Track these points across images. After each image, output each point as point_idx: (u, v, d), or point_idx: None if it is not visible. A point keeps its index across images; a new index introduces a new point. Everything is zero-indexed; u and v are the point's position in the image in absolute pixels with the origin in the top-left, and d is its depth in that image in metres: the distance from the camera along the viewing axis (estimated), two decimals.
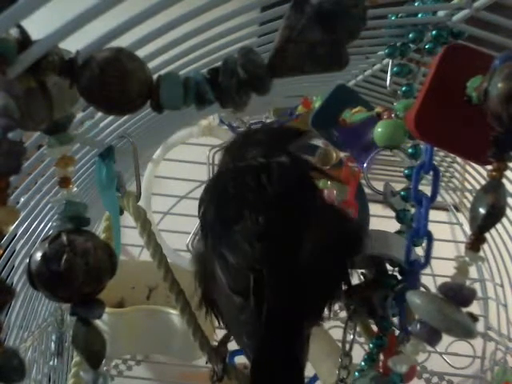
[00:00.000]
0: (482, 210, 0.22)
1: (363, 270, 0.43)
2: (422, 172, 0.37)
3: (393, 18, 0.40)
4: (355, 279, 0.42)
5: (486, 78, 0.23)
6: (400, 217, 0.43)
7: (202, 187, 0.42)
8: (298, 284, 0.34)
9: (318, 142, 0.56)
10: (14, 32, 0.19)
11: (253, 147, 0.41)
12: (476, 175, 0.75)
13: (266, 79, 0.20)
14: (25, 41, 0.19)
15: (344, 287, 0.41)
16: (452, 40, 0.39)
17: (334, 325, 0.73)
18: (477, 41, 0.37)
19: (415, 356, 0.26)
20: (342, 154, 0.52)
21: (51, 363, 0.64)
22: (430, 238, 0.37)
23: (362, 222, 0.54)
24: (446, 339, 0.25)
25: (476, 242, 0.24)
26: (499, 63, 0.22)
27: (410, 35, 0.40)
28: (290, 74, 0.20)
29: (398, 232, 0.43)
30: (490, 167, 0.23)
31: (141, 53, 0.22)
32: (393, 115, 0.39)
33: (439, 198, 0.87)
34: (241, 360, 0.48)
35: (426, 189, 0.38)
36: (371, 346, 0.41)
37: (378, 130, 0.39)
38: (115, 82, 0.19)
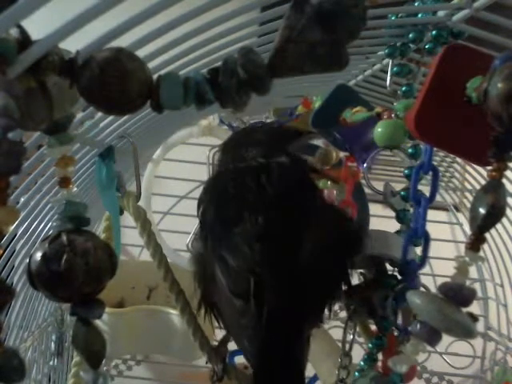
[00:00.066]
0: (481, 210, 0.22)
1: (362, 270, 0.43)
2: (421, 172, 0.37)
3: (393, 18, 0.40)
4: (355, 279, 0.42)
5: (486, 78, 0.23)
6: (400, 217, 0.43)
7: (202, 187, 0.42)
8: (298, 286, 0.34)
9: (318, 142, 0.56)
10: (14, 32, 0.19)
11: (252, 147, 0.41)
12: (476, 175, 0.75)
13: (266, 79, 0.20)
14: (25, 41, 0.19)
15: (344, 287, 0.41)
16: (452, 40, 0.39)
17: (334, 325, 0.73)
18: (477, 41, 0.37)
19: (415, 356, 0.26)
20: (342, 154, 0.52)
21: (51, 363, 0.64)
22: (426, 239, 0.37)
23: (361, 222, 0.54)
24: (446, 339, 0.25)
25: (476, 242, 0.24)
26: (499, 63, 0.22)
27: (410, 35, 0.40)
28: (290, 74, 0.20)
29: (398, 232, 0.43)
30: (489, 167, 0.23)
31: (141, 53, 0.22)
32: (393, 115, 0.39)
33: (439, 198, 0.87)
34: (241, 360, 0.48)
35: (426, 189, 0.38)
36: (370, 346, 0.41)
37: (378, 129, 0.39)
38: (115, 81, 0.19)
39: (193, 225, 0.58)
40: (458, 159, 0.75)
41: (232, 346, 0.42)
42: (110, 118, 0.37)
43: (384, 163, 1.17)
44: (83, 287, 0.24)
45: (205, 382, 0.44)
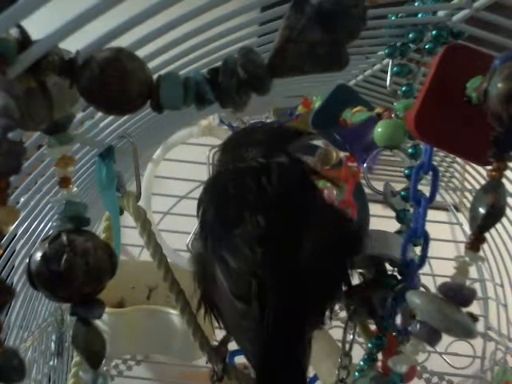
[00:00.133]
0: (481, 210, 0.22)
1: (362, 270, 0.43)
2: (421, 172, 0.37)
3: (393, 18, 0.40)
4: (355, 279, 0.42)
5: (486, 78, 0.23)
6: (400, 217, 0.43)
7: (202, 187, 0.42)
8: (299, 287, 0.34)
9: (318, 142, 0.56)
10: (14, 32, 0.19)
11: (252, 147, 0.41)
12: (476, 175, 0.75)
13: (266, 79, 0.20)
14: (25, 41, 0.19)
15: (344, 288, 0.41)
16: (452, 40, 0.39)
17: (334, 325, 0.73)
18: (477, 41, 0.37)
19: (415, 356, 0.26)
20: (342, 154, 0.52)
21: (51, 363, 0.64)
22: (426, 239, 0.37)
23: (361, 221, 0.54)
24: (446, 339, 0.25)
25: (476, 242, 0.24)
26: (499, 63, 0.22)
27: (410, 35, 0.40)
28: (290, 74, 0.20)
29: (398, 232, 0.43)
30: (489, 167, 0.23)
31: (141, 53, 0.22)
32: (393, 115, 0.39)
33: (439, 198, 0.87)
34: (241, 360, 0.48)
35: (426, 189, 0.38)
36: (370, 346, 0.41)
37: (378, 130, 0.39)
38: (115, 81, 0.19)
39: (193, 225, 0.58)
40: (458, 159, 0.75)
41: (232, 345, 0.42)
42: (110, 118, 0.37)
43: (384, 163, 1.16)
44: (83, 287, 0.24)
45: (205, 382, 0.44)
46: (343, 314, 0.83)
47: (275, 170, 0.38)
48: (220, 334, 0.44)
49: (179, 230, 0.82)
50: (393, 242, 0.41)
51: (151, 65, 0.26)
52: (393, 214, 0.43)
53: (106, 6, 0.19)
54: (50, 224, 0.44)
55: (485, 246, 0.26)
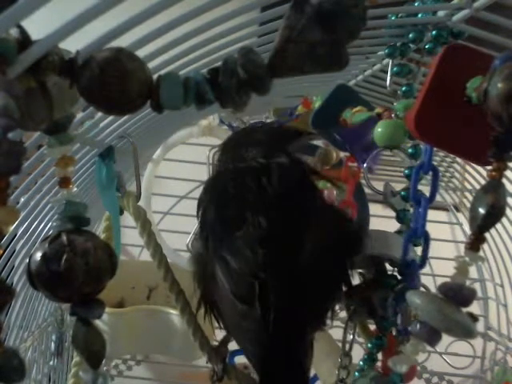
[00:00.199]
0: (481, 210, 0.22)
1: (362, 270, 0.43)
2: (421, 172, 0.37)
3: (393, 18, 0.40)
4: (355, 279, 0.42)
5: (486, 78, 0.23)
6: (400, 217, 0.42)
7: (202, 187, 0.42)
8: (301, 288, 0.34)
9: (318, 142, 0.56)
10: (14, 32, 0.19)
11: (252, 147, 0.41)
12: (476, 175, 0.75)
13: (266, 79, 0.20)
14: (25, 41, 0.19)
15: (344, 288, 0.41)
16: (452, 40, 0.39)
17: (334, 325, 0.73)
18: (477, 41, 0.37)
19: (415, 356, 0.26)
20: (342, 154, 0.52)
21: (51, 363, 0.64)
22: (426, 239, 0.37)
23: (361, 221, 0.54)
24: (446, 339, 0.25)
25: (476, 242, 0.24)
26: (499, 63, 0.22)
27: (410, 35, 0.40)
28: (290, 74, 0.20)
29: (398, 232, 0.43)
30: (489, 167, 0.23)
31: (141, 53, 0.22)
32: (393, 115, 0.39)
33: (439, 198, 0.87)
34: (241, 360, 0.48)
35: (426, 189, 0.38)
36: (370, 346, 0.41)
37: (378, 130, 0.39)
38: (115, 81, 0.19)
39: (193, 225, 0.58)
40: (458, 159, 0.75)
41: (232, 345, 0.42)
42: (110, 118, 0.37)
43: (384, 163, 1.16)
44: (83, 287, 0.24)
45: (205, 382, 0.44)
46: (343, 314, 0.83)
47: (275, 171, 0.37)
48: (220, 333, 0.44)
49: (179, 230, 0.82)
50: (393, 242, 0.41)
51: (151, 65, 0.26)
52: (393, 213, 0.43)
53: (106, 6, 0.19)
54: (50, 224, 0.44)
55: (485, 245, 0.26)
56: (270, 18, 0.31)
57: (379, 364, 0.41)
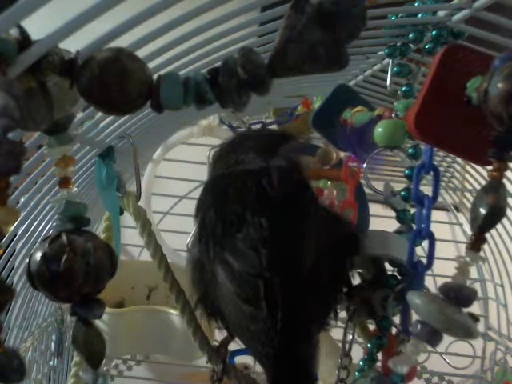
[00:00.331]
0: (482, 210, 0.22)
1: (361, 271, 0.43)
2: (422, 172, 0.37)
3: (393, 18, 0.40)
4: (354, 279, 0.42)
5: (486, 78, 0.23)
6: (400, 217, 0.42)
7: (201, 191, 0.42)
8: (305, 289, 0.34)
9: (318, 142, 0.56)
10: (14, 32, 0.19)
11: (247, 152, 0.41)
12: (476, 175, 0.75)
13: (266, 79, 0.20)
14: (25, 41, 0.19)
15: (344, 288, 0.41)
16: (452, 40, 0.39)
17: (334, 325, 0.73)
18: (477, 41, 0.37)
19: (416, 356, 0.26)
20: (342, 154, 0.52)
21: (51, 363, 0.64)
22: (432, 239, 0.37)
23: (362, 221, 0.54)
24: (446, 339, 0.25)
25: (477, 242, 0.24)
26: (499, 63, 0.22)
27: (410, 35, 0.40)
28: (290, 74, 0.20)
29: (398, 232, 0.43)
30: (490, 167, 0.23)
31: (141, 53, 0.22)
32: (393, 115, 0.39)
33: (439, 198, 0.87)
34: (241, 360, 0.48)
35: (425, 189, 0.38)
36: (370, 346, 0.41)
37: (378, 130, 0.39)
38: (115, 81, 0.19)
39: (193, 225, 0.58)
40: (458, 159, 0.75)
41: (232, 346, 0.42)
42: (110, 118, 0.37)
43: (384, 163, 1.16)
44: (83, 287, 0.24)
45: (205, 382, 0.44)
46: (343, 315, 0.83)
47: (274, 173, 0.37)
48: (220, 333, 0.44)
49: (179, 230, 0.82)
50: (393, 242, 0.41)
51: (151, 65, 0.26)
52: (393, 213, 0.43)
53: (106, 6, 0.19)
54: (50, 224, 0.44)
55: (485, 246, 0.26)
56: (270, 18, 0.31)
57: (379, 364, 0.41)
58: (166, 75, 0.21)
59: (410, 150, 0.41)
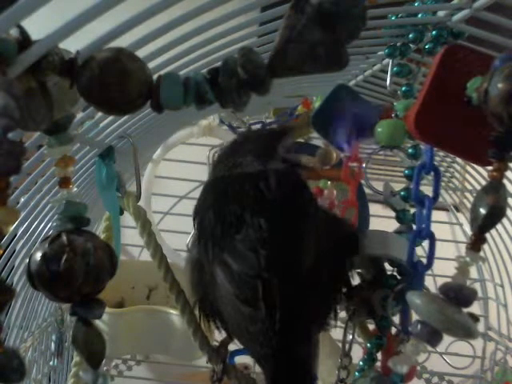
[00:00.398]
0: (482, 211, 0.22)
1: (361, 271, 0.43)
2: (422, 172, 0.37)
3: (393, 18, 0.40)
4: (354, 280, 0.42)
5: (486, 78, 0.23)
6: (400, 217, 0.42)
7: (199, 193, 0.42)
8: (305, 289, 0.34)
9: (318, 141, 0.56)
10: (14, 32, 0.19)
11: (245, 155, 0.41)
12: (476, 175, 0.75)
13: (266, 79, 0.20)
14: (25, 41, 0.19)
15: (344, 288, 0.41)
16: (452, 40, 0.39)
17: (334, 325, 0.73)
18: (477, 41, 0.37)
19: (416, 356, 0.26)
20: (342, 154, 0.52)
21: (51, 363, 0.64)
22: (432, 240, 0.37)
23: (362, 221, 0.54)
24: (446, 339, 0.25)
25: (477, 242, 0.24)
26: (499, 64, 0.22)
27: (410, 35, 0.40)
28: (289, 74, 0.20)
29: (398, 232, 0.43)
30: (490, 167, 0.23)
31: (141, 53, 0.22)
32: (393, 115, 0.39)
33: (439, 198, 0.87)
34: (241, 360, 0.48)
35: (425, 189, 0.38)
36: (369, 346, 0.41)
37: (378, 129, 0.39)
38: (115, 82, 0.19)
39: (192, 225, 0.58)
40: (458, 159, 0.75)
41: (232, 346, 0.42)
42: (110, 118, 0.37)
43: (384, 163, 1.16)
44: (83, 287, 0.24)
45: (205, 382, 0.44)
46: (343, 315, 0.83)
47: (272, 175, 0.38)
48: (219, 333, 0.44)
49: (179, 230, 0.82)
50: (392, 242, 0.41)
51: (151, 65, 0.26)
52: (393, 213, 0.43)
53: (106, 6, 0.19)
54: (50, 224, 0.44)
55: (485, 246, 0.26)
56: (270, 18, 0.31)
57: (379, 364, 0.41)
58: (166, 75, 0.21)
59: (409, 150, 0.41)
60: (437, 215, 0.84)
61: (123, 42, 0.22)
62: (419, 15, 0.40)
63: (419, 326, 0.25)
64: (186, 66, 0.32)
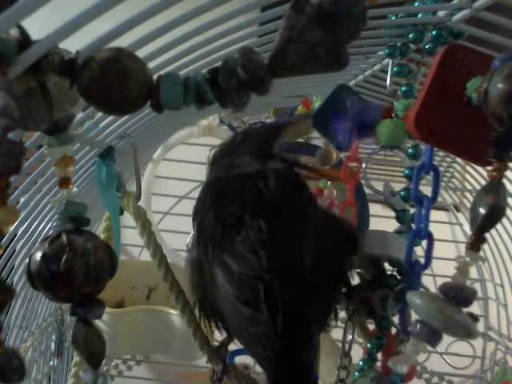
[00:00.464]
0: (482, 210, 0.22)
1: (361, 271, 0.43)
2: (422, 172, 0.37)
3: (393, 18, 0.40)
4: (354, 279, 0.42)
5: (486, 78, 0.23)
6: (400, 217, 0.42)
7: (198, 194, 0.41)
8: (305, 290, 0.34)
9: (318, 141, 0.56)
10: (13, 32, 0.19)
11: (243, 155, 0.41)
12: (476, 175, 0.75)
13: (266, 79, 0.20)
14: (25, 41, 0.19)
15: (344, 288, 0.41)
16: (452, 40, 0.39)
17: (334, 325, 0.73)
18: (477, 41, 0.37)
19: (415, 356, 0.26)
20: (342, 154, 0.52)
21: (51, 363, 0.64)
22: (430, 239, 0.37)
23: (362, 221, 0.54)
24: (446, 339, 0.25)
25: (476, 242, 0.24)
26: (499, 64, 0.22)
27: (410, 35, 0.40)
28: (289, 74, 0.20)
29: (398, 232, 0.43)
30: (490, 167, 0.23)
31: (141, 53, 0.22)
32: (393, 115, 0.39)
33: (439, 198, 0.87)
34: (241, 360, 0.48)
35: (425, 189, 0.38)
36: (369, 346, 0.41)
37: (379, 129, 0.39)
38: (115, 82, 0.19)
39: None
40: (458, 159, 0.75)
41: (232, 346, 0.42)
42: (110, 118, 0.37)
43: (384, 163, 1.16)
44: (83, 287, 0.24)
45: (205, 382, 0.44)
46: (343, 315, 0.83)
47: (271, 176, 0.38)
48: (218, 333, 0.44)
49: (179, 230, 0.82)
50: (393, 242, 0.41)
51: (151, 65, 0.26)
52: (393, 213, 0.43)
53: (106, 6, 0.19)
54: (50, 224, 0.44)
55: (485, 246, 0.26)
56: (270, 18, 0.31)
57: (379, 364, 0.41)
58: (166, 75, 0.21)
59: (409, 150, 0.41)
60: (437, 215, 0.84)
61: (123, 41, 0.22)
62: (419, 15, 0.40)
63: (419, 326, 0.25)
64: (186, 66, 0.32)
